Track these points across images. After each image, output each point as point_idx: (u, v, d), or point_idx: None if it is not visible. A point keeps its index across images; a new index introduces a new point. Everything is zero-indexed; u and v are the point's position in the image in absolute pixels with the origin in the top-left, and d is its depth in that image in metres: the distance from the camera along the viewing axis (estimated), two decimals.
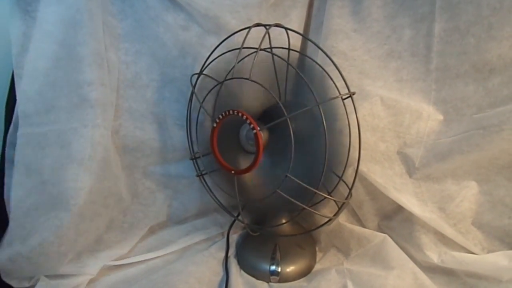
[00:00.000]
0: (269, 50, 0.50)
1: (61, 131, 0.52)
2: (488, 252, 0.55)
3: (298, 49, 0.59)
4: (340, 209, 0.52)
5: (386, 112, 0.57)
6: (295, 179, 0.47)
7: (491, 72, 0.53)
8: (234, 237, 0.65)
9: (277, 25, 0.49)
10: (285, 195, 0.47)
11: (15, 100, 0.52)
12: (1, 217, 0.53)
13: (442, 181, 0.57)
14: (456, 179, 0.57)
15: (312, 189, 0.47)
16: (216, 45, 0.54)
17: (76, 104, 0.52)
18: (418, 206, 0.57)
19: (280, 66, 0.53)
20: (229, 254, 0.61)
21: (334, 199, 0.51)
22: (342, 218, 0.62)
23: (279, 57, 0.49)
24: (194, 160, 0.59)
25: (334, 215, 0.52)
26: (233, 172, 0.51)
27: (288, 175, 0.47)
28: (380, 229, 0.62)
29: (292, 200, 0.47)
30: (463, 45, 0.53)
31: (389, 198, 0.58)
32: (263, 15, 0.58)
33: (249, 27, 0.50)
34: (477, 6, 0.51)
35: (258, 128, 0.47)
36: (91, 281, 0.54)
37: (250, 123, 0.47)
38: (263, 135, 0.49)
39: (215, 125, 0.50)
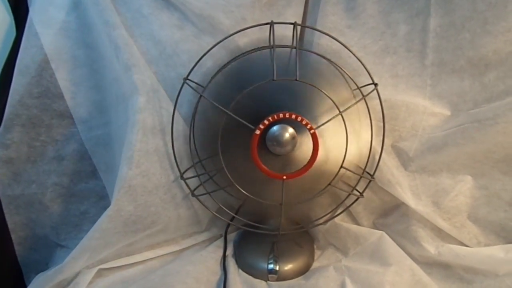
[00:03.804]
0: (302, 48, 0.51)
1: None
2: (484, 246, 0.56)
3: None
4: (367, 185, 0.55)
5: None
6: (349, 169, 0.51)
7: (487, 67, 0.53)
8: (231, 236, 0.65)
9: (298, 24, 0.50)
10: (338, 188, 0.53)
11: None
12: None
13: (437, 175, 0.57)
14: (451, 173, 0.57)
15: (358, 174, 0.54)
16: (210, 46, 0.53)
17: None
18: (412, 199, 0.57)
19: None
20: (227, 253, 0.60)
21: (366, 177, 0.55)
22: (337, 218, 0.62)
23: (320, 55, 0.51)
24: (185, 180, 0.55)
25: (362, 192, 0.55)
26: (284, 177, 0.49)
27: (344, 166, 0.50)
28: (375, 227, 0.62)
29: (344, 190, 0.54)
30: (458, 40, 0.53)
31: (384, 197, 0.59)
32: (257, 14, 0.58)
33: (270, 24, 0.50)
34: (472, 1, 0.51)
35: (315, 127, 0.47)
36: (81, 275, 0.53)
37: (306, 124, 0.46)
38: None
39: (258, 132, 0.47)
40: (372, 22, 0.56)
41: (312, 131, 0.47)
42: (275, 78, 0.46)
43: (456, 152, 0.55)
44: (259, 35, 0.56)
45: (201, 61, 0.53)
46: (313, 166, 0.48)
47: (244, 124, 0.47)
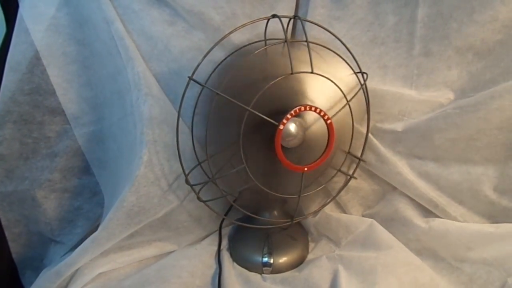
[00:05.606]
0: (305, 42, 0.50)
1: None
2: None
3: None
4: (357, 166, 0.60)
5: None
6: (354, 154, 0.57)
7: (474, 57, 0.54)
8: (226, 230, 0.65)
9: (302, 19, 0.52)
10: (344, 173, 0.59)
11: None
12: None
13: (423, 158, 0.58)
14: (436, 157, 0.58)
15: (357, 157, 0.59)
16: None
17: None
18: (400, 176, 0.58)
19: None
20: (221, 247, 0.61)
21: (361, 159, 0.59)
22: (327, 208, 0.63)
23: (330, 49, 0.52)
24: (192, 186, 0.53)
25: (352, 173, 0.60)
26: (306, 169, 0.50)
27: (350, 152, 0.56)
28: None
29: (344, 172, 0.59)
30: (446, 30, 0.54)
31: (372, 185, 0.60)
32: (248, 9, 0.58)
33: (270, 18, 0.51)
34: None
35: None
36: (80, 276, 0.53)
37: (324, 115, 0.48)
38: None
39: (281, 127, 0.47)
40: (360, 13, 0.57)
41: (329, 121, 0.48)
42: (292, 72, 0.46)
43: (439, 138, 0.56)
44: (251, 31, 0.57)
45: (193, 58, 0.54)
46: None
47: (262, 120, 0.47)
